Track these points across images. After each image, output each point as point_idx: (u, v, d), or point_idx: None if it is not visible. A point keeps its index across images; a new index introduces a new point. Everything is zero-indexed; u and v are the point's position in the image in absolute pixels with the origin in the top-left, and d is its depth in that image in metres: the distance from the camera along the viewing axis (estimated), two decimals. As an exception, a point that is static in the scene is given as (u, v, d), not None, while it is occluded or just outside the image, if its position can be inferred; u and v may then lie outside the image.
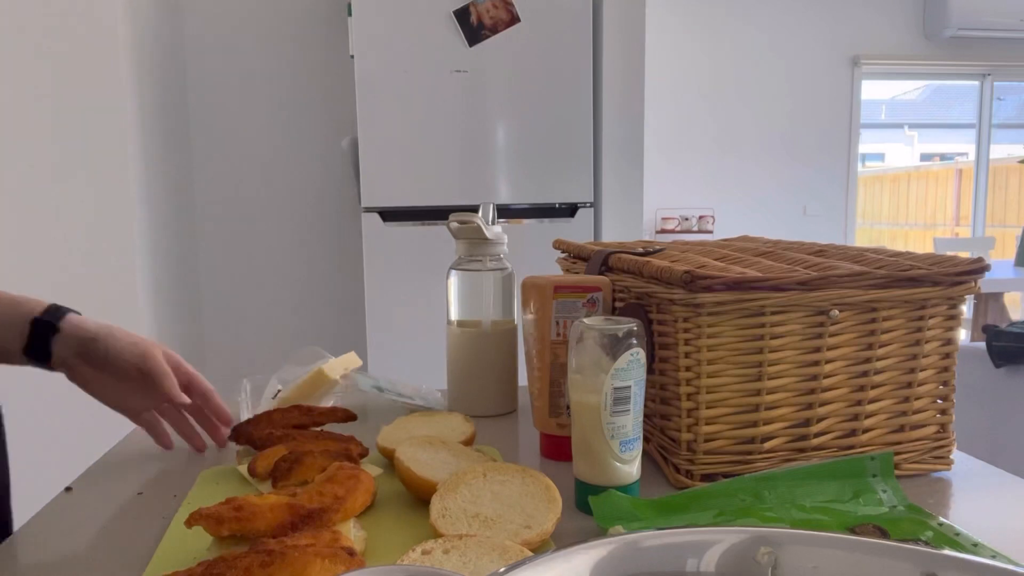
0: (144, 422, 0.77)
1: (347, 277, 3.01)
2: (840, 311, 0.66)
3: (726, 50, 4.24)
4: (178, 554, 0.55)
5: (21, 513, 0.68)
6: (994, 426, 2.17)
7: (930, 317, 0.69)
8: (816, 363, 0.67)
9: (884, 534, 0.55)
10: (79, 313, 0.73)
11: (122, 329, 0.72)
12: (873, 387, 0.69)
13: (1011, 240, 5.31)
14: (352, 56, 2.41)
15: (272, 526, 0.51)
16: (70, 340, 0.70)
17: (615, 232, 2.54)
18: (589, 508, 0.60)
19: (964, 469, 0.72)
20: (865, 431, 0.70)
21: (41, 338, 0.69)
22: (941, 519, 0.59)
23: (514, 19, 2.41)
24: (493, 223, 0.92)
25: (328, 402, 0.90)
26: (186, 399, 0.73)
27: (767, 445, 0.67)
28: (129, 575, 0.53)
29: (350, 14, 2.38)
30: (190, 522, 0.50)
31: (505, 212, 2.48)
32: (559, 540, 0.58)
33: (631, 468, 0.61)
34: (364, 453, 0.68)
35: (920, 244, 6.92)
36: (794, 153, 4.37)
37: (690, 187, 4.28)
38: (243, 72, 2.89)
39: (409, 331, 2.46)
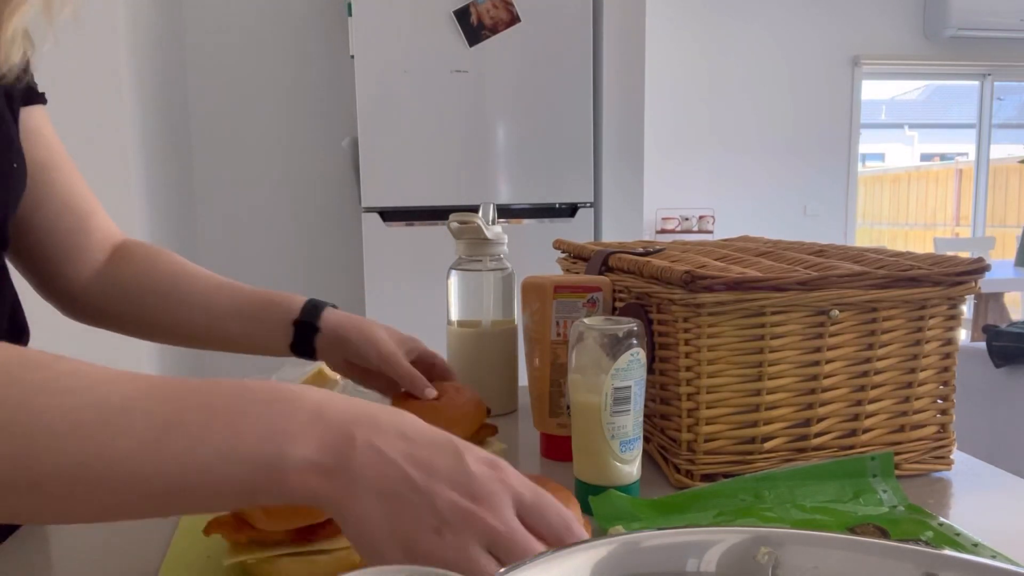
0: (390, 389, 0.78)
1: (347, 277, 3.01)
2: (840, 311, 0.66)
3: (726, 50, 4.24)
4: (191, 553, 0.55)
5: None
6: (994, 426, 2.17)
7: (930, 317, 0.69)
8: (816, 363, 0.67)
9: (884, 534, 0.55)
10: (336, 307, 0.76)
11: (375, 325, 0.74)
12: (873, 387, 0.69)
13: (1011, 240, 5.31)
14: (352, 56, 2.41)
15: (293, 527, 0.48)
16: (329, 337, 0.73)
17: (615, 232, 2.54)
18: (589, 508, 0.60)
19: (964, 469, 0.72)
20: (865, 431, 0.70)
21: (305, 338, 0.74)
22: (941, 519, 0.59)
23: (514, 19, 2.41)
24: (493, 223, 0.92)
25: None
26: (431, 394, 0.72)
27: (767, 445, 0.67)
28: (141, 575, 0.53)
29: (350, 14, 2.38)
30: (209, 531, 0.49)
31: (505, 212, 2.48)
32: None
33: (631, 468, 0.61)
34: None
35: (920, 244, 6.92)
36: (794, 153, 4.37)
37: (690, 187, 4.28)
38: (243, 72, 2.89)
39: (409, 331, 2.45)
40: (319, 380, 0.87)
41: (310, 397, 0.38)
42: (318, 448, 0.36)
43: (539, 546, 0.38)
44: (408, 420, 0.40)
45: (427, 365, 0.77)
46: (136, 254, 0.76)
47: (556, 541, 0.39)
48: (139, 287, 0.74)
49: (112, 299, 0.74)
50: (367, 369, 0.75)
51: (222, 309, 0.74)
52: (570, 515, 0.40)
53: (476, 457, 0.39)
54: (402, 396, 0.72)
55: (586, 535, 0.41)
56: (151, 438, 0.35)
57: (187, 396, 0.37)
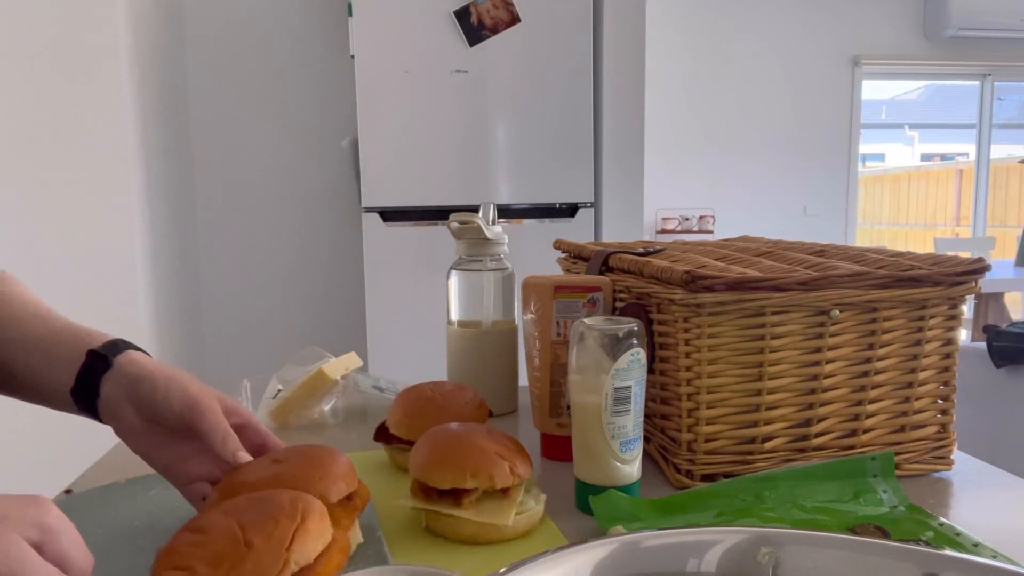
0: (193, 494, 0.57)
1: (347, 277, 3.01)
2: (841, 311, 0.66)
3: (726, 50, 4.24)
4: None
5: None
6: (994, 426, 2.17)
7: (931, 317, 0.69)
8: (816, 363, 0.67)
9: (885, 534, 0.55)
10: (148, 354, 0.60)
11: (193, 378, 0.57)
12: (874, 387, 0.69)
13: (1011, 240, 5.31)
14: (352, 56, 2.41)
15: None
16: (121, 379, 0.56)
17: (615, 232, 2.54)
18: (589, 508, 0.60)
19: (964, 469, 0.72)
20: (866, 431, 0.70)
21: (90, 374, 0.56)
22: (942, 519, 0.58)
23: (514, 19, 2.41)
24: (493, 223, 0.92)
25: (329, 402, 0.90)
26: (241, 458, 0.55)
27: (767, 445, 0.67)
28: None
29: (350, 14, 2.38)
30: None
31: (505, 212, 2.48)
32: (560, 541, 0.58)
33: (631, 468, 0.61)
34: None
35: (920, 244, 6.92)
36: (794, 153, 4.37)
37: (690, 187, 4.28)
38: (243, 72, 2.89)
39: (409, 331, 2.46)
40: (319, 380, 0.87)
41: None
42: None
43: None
44: None
45: (257, 442, 0.60)
46: None
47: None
48: None
49: None
50: (159, 430, 0.56)
51: (19, 336, 0.58)
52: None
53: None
54: (228, 483, 0.54)
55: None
56: None
57: None
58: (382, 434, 0.75)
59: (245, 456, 0.55)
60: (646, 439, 0.76)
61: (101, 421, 0.57)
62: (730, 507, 0.60)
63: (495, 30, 2.40)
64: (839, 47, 4.35)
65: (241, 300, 2.97)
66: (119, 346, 0.58)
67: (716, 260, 0.75)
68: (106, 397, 0.56)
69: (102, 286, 2.13)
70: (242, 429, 0.59)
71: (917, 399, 0.70)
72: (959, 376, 0.71)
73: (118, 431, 0.57)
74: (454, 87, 2.42)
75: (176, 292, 2.60)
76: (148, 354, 0.59)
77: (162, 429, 0.56)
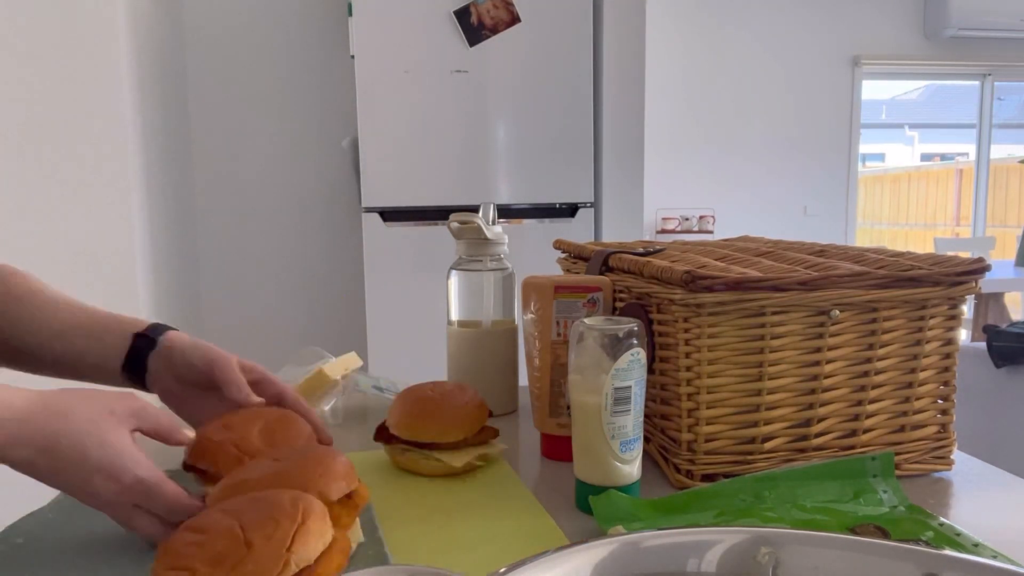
0: None
1: (347, 277, 3.01)
2: (841, 311, 0.66)
3: (726, 50, 4.24)
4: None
5: (18, 513, 0.68)
6: (994, 426, 2.17)
7: (931, 317, 0.69)
8: (817, 363, 0.67)
9: (885, 534, 0.55)
10: (180, 332, 0.71)
11: (215, 347, 0.69)
12: (874, 387, 0.69)
13: (1011, 240, 5.31)
14: (352, 56, 2.41)
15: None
16: (162, 353, 0.68)
17: (615, 232, 2.54)
18: (589, 508, 0.60)
19: (964, 469, 0.72)
20: (866, 431, 0.70)
21: (138, 353, 0.68)
22: (942, 519, 0.58)
23: (514, 19, 2.41)
24: (493, 223, 0.92)
25: (329, 402, 0.90)
26: (253, 399, 0.66)
27: (767, 445, 0.67)
28: None
29: (350, 14, 2.38)
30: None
31: (505, 212, 2.48)
32: (561, 541, 0.58)
33: (631, 468, 0.61)
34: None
35: (920, 244, 6.92)
36: (794, 153, 4.37)
37: (690, 187, 4.28)
38: (243, 72, 2.89)
39: (409, 331, 2.46)
40: (320, 380, 0.87)
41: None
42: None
43: (151, 523, 0.55)
44: None
45: (273, 392, 0.70)
46: None
47: (166, 519, 0.55)
48: None
49: None
50: (192, 393, 0.68)
51: (59, 325, 0.69)
52: (174, 503, 0.54)
53: (104, 478, 0.53)
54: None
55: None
56: None
57: None
58: (382, 434, 0.75)
59: (256, 399, 0.66)
60: (646, 439, 0.76)
61: (148, 391, 0.69)
62: (730, 507, 0.60)
63: (495, 30, 2.40)
64: (839, 47, 4.35)
65: (241, 300, 2.97)
66: (159, 329, 0.70)
67: (716, 260, 0.75)
68: (153, 371, 0.68)
69: (102, 286, 2.13)
70: (258, 383, 0.69)
71: (917, 399, 0.70)
72: (959, 376, 0.71)
73: (161, 397, 0.69)
74: (454, 87, 2.42)
75: (176, 292, 2.60)
76: (183, 333, 0.71)
77: (193, 389, 0.68)
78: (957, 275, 0.67)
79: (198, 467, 0.62)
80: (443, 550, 0.57)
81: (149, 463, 0.54)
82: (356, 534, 0.56)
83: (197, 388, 0.68)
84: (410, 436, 0.72)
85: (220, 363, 0.66)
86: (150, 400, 0.65)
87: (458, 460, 0.71)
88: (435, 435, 0.71)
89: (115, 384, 0.69)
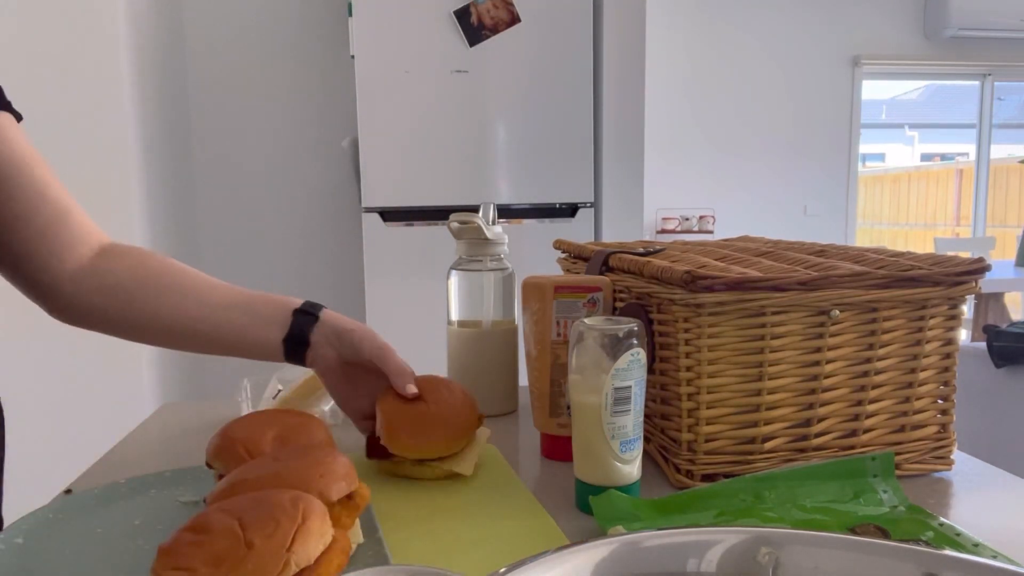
0: (361, 427, 0.75)
1: (347, 277, 3.01)
2: (841, 311, 0.66)
3: (726, 50, 4.24)
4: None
5: (18, 513, 0.68)
6: (994, 426, 2.17)
7: (931, 317, 0.69)
8: (817, 363, 0.67)
9: (885, 534, 0.55)
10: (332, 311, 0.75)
11: (370, 329, 0.73)
12: (874, 387, 0.69)
13: (1011, 240, 5.31)
14: (352, 56, 2.41)
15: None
16: (327, 330, 0.71)
17: (615, 232, 2.54)
18: (589, 508, 0.60)
19: (964, 469, 0.72)
20: (866, 431, 0.70)
21: (301, 328, 0.71)
22: (942, 519, 0.58)
23: (514, 19, 2.41)
24: (493, 223, 0.92)
25: (329, 402, 0.90)
26: (410, 391, 0.70)
27: (767, 445, 0.67)
28: None
29: (350, 14, 2.38)
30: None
31: (505, 212, 2.48)
32: (561, 541, 0.58)
33: (631, 468, 0.61)
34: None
35: (920, 244, 6.92)
36: (795, 153, 4.37)
37: (690, 187, 4.28)
38: (243, 72, 2.89)
39: (409, 331, 2.46)
40: (319, 380, 0.87)
41: None
42: None
43: None
44: None
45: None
46: (129, 250, 0.75)
47: None
48: (133, 278, 0.72)
49: (102, 292, 0.71)
50: (349, 371, 0.73)
51: (218, 300, 0.72)
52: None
53: None
54: (387, 395, 0.70)
55: None
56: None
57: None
58: (377, 451, 0.71)
59: (414, 389, 0.70)
60: (646, 439, 0.76)
61: (304, 364, 0.73)
62: (730, 507, 0.60)
63: (495, 30, 2.40)
64: (839, 47, 4.35)
65: (241, 300, 2.96)
66: (316, 306, 0.73)
67: (716, 260, 0.75)
68: (315, 344, 0.72)
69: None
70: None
71: (917, 399, 0.70)
72: (959, 376, 0.71)
73: (318, 371, 0.73)
74: (454, 87, 2.42)
75: (176, 292, 2.60)
76: (335, 312, 0.75)
77: (352, 369, 0.73)
78: (957, 275, 0.67)
79: (213, 466, 0.62)
80: (443, 550, 0.57)
81: None
82: (356, 534, 0.56)
83: (357, 369, 0.72)
84: (414, 455, 0.69)
85: (387, 353, 0.70)
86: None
87: (467, 467, 0.70)
88: (442, 450, 0.69)
89: (274, 359, 0.73)
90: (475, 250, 0.90)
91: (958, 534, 0.56)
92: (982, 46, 4.46)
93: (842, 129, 4.40)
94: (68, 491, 0.69)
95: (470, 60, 2.41)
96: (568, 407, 0.73)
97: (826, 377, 0.68)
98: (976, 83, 4.73)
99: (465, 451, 0.71)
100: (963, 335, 1.97)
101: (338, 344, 0.72)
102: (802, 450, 0.68)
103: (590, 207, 2.52)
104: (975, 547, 0.54)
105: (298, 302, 0.73)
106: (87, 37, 2.08)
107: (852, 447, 0.69)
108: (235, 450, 0.60)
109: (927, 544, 0.54)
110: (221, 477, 0.61)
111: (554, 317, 0.73)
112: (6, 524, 0.76)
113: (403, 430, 0.69)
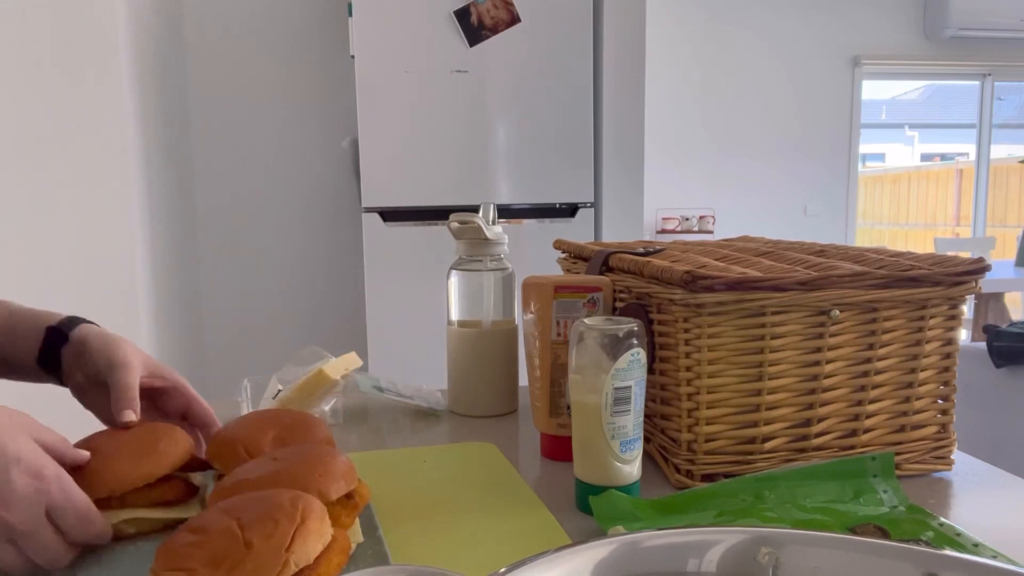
0: None
1: (347, 277, 3.01)
2: (841, 311, 0.66)
3: (726, 50, 4.24)
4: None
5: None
6: (994, 426, 2.17)
7: (931, 317, 0.69)
8: (817, 363, 0.67)
9: (885, 534, 0.55)
10: (98, 326, 0.68)
11: (125, 341, 0.65)
12: (874, 387, 0.69)
13: (1011, 240, 5.31)
14: (352, 56, 2.41)
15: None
16: (74, 347, 0.65)
17: (615, 232, 2.54)
18: (589, 508, 0.60)
19: (965, 469, 0.72)
20: (866, 431, 0.70)
21: (52, 346, 0.66)
22: (942, 519, 0.58)
23: (514, 19, 2.41)
24: (493, 223, 0.92)
25: (328, 402, 0.90)
26: (126, 416, 0.60)
27: (767, 445, 0.67)
28: None
29: (350, 14, 2.38)
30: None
31: (505, 212, 2.48)
32: (562, 539, 0.58)
33: (631, 468, 0.61)
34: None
35: (921, 244, 6.92)
36: (795, 153, 4.37)
37: (690, 187, 4.28)
38: (243, 72, 2.89)
39: (409, 331, 2.46)
40: (320, 380, 0.87)
41: None
42: None
43: (56, 540, 0.50)
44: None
45: (180, 403, 0.68)
46: None
47: (74, 535, 0.51)
48: None
49: None
50: (98, 388, 0.64)
51: None
52: (88, 515, 0.51)
53: (21, 470, 0.48)
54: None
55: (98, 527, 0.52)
56: None
57: None
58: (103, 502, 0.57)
59: (130, 415, 0.60)
60: (646, 439, 0.76)
61: (64, 386, 0.67)
62: (730, 507, 0.60)
63: (495, 30, 2.40)
64: (839, 47, 4.35)
65: (241, 300, 2.97)
66: (75, 321, 0.67)
67: (716, 260, 0.75)
68: (66, 364, 0.66)
69: (102, 286, 2.13)
70: (168, 391, 0.67)
71: (917, 399, 0.70)
72: (959, 376, 0.71)
73: (73, 392, 0.67)
74: (454, 87, 2.42)
75: (176, 292, 2.60)
76: (98, 326, 0.68)
77: (101, 387, 0.64)
78: (957, 275, 0.67)
79: (214, 466, 0.62)
80: (443, 550, 0.57)
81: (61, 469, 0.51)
82: (356, 533, 0.56)
83: (104, 386, 0.64)
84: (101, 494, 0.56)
85: (117, 366, 0.62)
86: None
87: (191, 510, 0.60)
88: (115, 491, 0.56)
89: (34, 380, 0.68)
90: (475, 250, 0.90)
91: (958, 534, 0.56)
92: (982, 46, 4.46)
93: (842, 129, 4.40)
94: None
95: (470, 60, 2.41)
96: (568, 407, 0.73)
97: (826, 377, 0.68)
98: (976, 83, 4.73)
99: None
100: (963, 335, 1.97)
101: (81, 362, 0.65)
102: (802, 450, 0.68)
103: (590, 207, 2.52)
104: (975, 547, 0.54)
105: (57, 318, 0.67)
106: (87, 37, 2.08)
107: (852, 447, 0.69)
108: (235, 450, 0.60)
109: (927, 544, 0.54)
110: (220, 477, 0.61)
111: (554, 317, 0.73)
112: None
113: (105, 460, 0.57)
